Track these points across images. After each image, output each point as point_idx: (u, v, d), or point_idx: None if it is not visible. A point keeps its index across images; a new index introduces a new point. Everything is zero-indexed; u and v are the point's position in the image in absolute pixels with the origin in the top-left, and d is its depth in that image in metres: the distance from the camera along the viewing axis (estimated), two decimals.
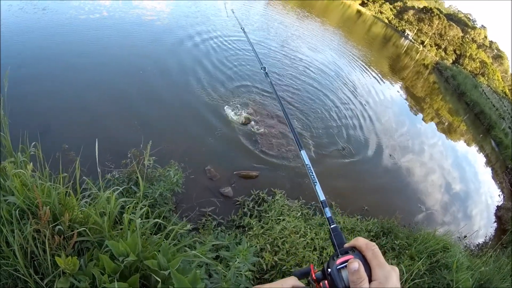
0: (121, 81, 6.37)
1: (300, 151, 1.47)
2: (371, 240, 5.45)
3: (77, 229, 2.06)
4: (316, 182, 1.24)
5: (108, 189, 2.43)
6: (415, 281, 4.55)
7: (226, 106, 6.83)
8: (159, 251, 2.07)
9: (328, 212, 1.10)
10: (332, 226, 0.98)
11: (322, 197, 1.19)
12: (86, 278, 1.86)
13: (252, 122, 6.62)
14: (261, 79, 8.37)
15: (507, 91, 52.58)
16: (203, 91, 7.06)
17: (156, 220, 2.42)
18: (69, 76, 5.92)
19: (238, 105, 7.00)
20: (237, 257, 2.49)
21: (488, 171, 14.95)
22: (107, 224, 2.22)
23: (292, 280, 0.83)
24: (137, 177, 3.30)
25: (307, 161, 1.39)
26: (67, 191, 2.29)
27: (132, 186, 3.39)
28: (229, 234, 3.66)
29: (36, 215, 1.98)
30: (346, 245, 0.84)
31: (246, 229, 4.23)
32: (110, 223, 2.28)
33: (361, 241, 0.79)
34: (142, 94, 6.17)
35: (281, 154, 6.29)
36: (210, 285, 2.36)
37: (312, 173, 1.28)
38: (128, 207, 2.30)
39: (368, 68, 15.76)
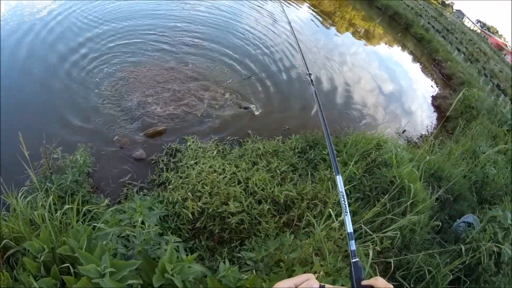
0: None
1: (336, 176, 1.56)
2: (298, 156, 5.18)
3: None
4: (347, 213, 1.35)
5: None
6: (353, 183, 4.48)
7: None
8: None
9: (353, 245, 1.21)
10: (353, 260, 1.11)
11: (350, 229, 1.30)
12: (21, 286, 2.11)
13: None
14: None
15: None
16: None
17: (71, 206, 2.66)
18: None
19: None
20: (136, 216, 2.56)
21: (416, 66, 15.53)
22: (23, 228, 2.47)
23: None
24: (51, 173, 3.78)
25: (341, 188, 1.49)
26: None
27: (47, 184, 3.59)
28: (151, 195, 4.08)
29: None
30: (364, 283, 0.98)
31: (166, 184, 4.39)
32: (26, 226, 2.54)
33: (380, 282, 0.94)
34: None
35: (181, 102, 6.28)
36: (130, 252, 2.50)
37: (345, 202, 1.41)
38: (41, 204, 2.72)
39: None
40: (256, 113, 6.47)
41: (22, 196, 2.94)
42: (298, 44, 3.20)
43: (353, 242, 1.20)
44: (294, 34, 3.42)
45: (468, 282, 3.93)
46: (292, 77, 8.56)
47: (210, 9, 10.78)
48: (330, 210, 3.24)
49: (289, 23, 3.96)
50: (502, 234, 4.57)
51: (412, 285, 3.76)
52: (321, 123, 1.87)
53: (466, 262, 3.84)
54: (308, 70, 2.63)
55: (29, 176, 3.47)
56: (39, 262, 2.12)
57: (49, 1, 8.46)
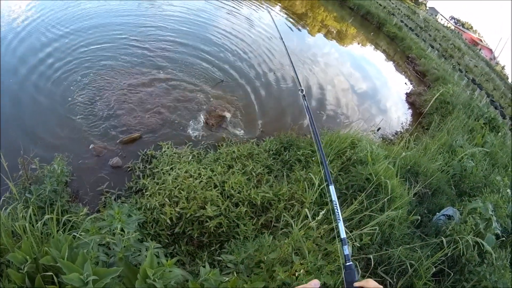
0: None
1: (329, 185, 1.71)
2: (273, 158, 5.35)
3: None
4: (339, 220, 1.50)
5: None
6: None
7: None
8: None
9: (346, 250, 1.34)
10: (347, 264, 1.26)
11: (343, 234, 1.43)
12: None
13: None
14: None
15: None
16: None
17: (51, 216, 2.74)
18: None
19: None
20: (115, 223, 2.60)
21: (389, 65, 15.92)
22: (6, 240, 2.51)
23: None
24: (30, 184, 3.88)
25: (334, 197, 1.62)
26: None
27: (26, 195, 3.67)
28: (129, 203, 4.13)
29: None
30: (356, 284, 1.10)
31: (144, 190, 4.45)
32: (8, 238, 2.59)
33: (371, 284, 1.04)
34: None
35: (155, 108, 6.33)
36: (112, 260, 2.54)
37: (337, 210, 1.53)
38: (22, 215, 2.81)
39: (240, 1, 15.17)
40: (228, 117, 6.54)
41: (3, 208, 3.05)
42: (291, 60, 3.33)
43: (346, 247, 1.33)
44: (287, 50, 3.52)
45: (452, 274, 4.06)
46: (268, 81, 8.71)
47: (183, 12, 10.81)
48: (307, 210, 3.33)
49: (281, 38, 4.28)
50: (484, 225, 4.75)
51: (394, 280, 3.86)
52: (313, 137, 2.06)
53: (449, 254, 3.98)
54: (300, 86, 2.75)
55: (9, 187, 3.53)
56: (23, 273, 2.17)
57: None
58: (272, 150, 5.54)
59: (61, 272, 2.10)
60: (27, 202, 3.54)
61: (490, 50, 49.52)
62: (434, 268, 3.82)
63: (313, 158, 5.17)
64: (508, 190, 6.36)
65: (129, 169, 4.98)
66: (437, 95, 4.53)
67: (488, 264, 4.20)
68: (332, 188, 1.64)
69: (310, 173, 4.49)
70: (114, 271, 2.18)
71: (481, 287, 3.88)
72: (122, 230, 2.68)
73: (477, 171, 6.81)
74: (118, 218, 2.62)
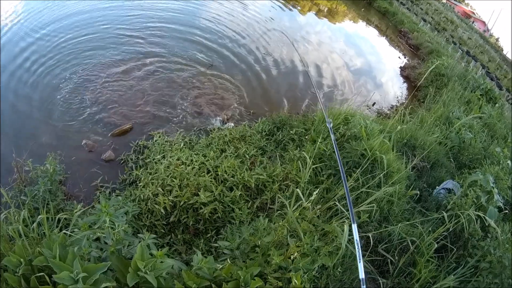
0: None
1: (352, 224, 1.86)
2: (266, 139, 5.24)
3: None
4: (360, 260, 1.56)
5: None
6: (323, 160, 4.51)
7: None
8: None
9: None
10: None
11: (362, 275, 1.53)
12: None
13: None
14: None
15: None
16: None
17: (43, 216, 2.71)
18: None
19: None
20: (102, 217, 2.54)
21: (382, 40, 15.70)
22: (2, 245, 2.54)
23: None
24: (24, 186, 3.91)
25: (356, 236, 1.75)
26: None
27: (21, 197, 3.69)
28: (123, 195, 4.09)
29: None
30: None
31: (137, 182, 4.38)
32: (4, 243, 2.61)
33: None
34: None
35: (145, 98, 6.22)
36: (105, 254, 2.51)
37: (359, 249, 1.62)
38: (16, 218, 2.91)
39: None
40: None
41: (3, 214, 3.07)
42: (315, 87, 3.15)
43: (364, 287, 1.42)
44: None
45: (455, 249, 3.95)
46: (255, 63, 8.51)
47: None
48: (298, 190, 3.19)
49: (307, 67, 4.05)
50: (485, 197, 4.63)
51: (396, 258, 3.75)
52: (340, 169, 2.24)
53: (451, 229, 3.85)
54: (327, 118, 2.98)
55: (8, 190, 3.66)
56: (18, 275, 2.19)
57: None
58: (265, 131, 5.47)
59: (54, 271, 2.09)
60: (23, 205, 3.50)
61: (483, 22, 49.04)
62: (436, 244, 3.69)
63: (306, 137, 5.07)
64: (509, 161, 6.28)
65: (122, 161, 4.93)
66: (431, 68, 4.38)
67: (492, 238, 4.07)
68: (355, 227, 1.74)
69: (303, 152, 4.37)
70: (103, 266, 2.14)
71: (486, 262, 3.75)
72: (113, 223, 2.63)
73: (475, 142, 6.71)
74: (105, 212, 2.55)
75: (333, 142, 2.35)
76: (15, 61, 6.32)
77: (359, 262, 1.43)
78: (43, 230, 2.81)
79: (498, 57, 26.26)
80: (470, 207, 4.26)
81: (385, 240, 3.86)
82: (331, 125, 2.23)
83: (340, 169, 2.04)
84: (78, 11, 8.55)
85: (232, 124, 5.88)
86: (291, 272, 2.61)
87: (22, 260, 2.23)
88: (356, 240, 1.52)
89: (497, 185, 5.04)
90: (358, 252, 1.43)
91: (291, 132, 5.27)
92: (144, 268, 2.14)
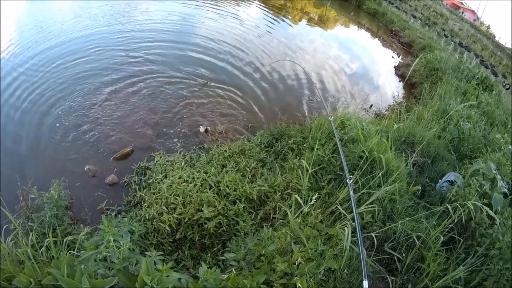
0: None
1: (364, 281, 1.92)
2: (265, 151, 5.29)
3: None
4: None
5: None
6: (322, 166, 4.54)
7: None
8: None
9: None
10: None
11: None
12: None
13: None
14: None
15: None
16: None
17: (50, 239, 2.78)
18: None
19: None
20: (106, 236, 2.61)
21: (375, 42, 15.77)
22: (12, 268, 2.62)
23: None
24: (31, 212, 3.97)
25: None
26: None
27: (28, 224, 3.79)
28: (129, 216, 4.07)
29: None
30: None
31: (142, 202, 4.41)
32: (14, 266, 2.70)
33: None
34: None
35: (142, 120, 6.25)
36: (112, 272, 2.55)
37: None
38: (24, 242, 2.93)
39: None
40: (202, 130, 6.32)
41: (9, 239, 3.13)
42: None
43: None
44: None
45: (463, 240, 3.93)
46: (249, 76, 8.58)
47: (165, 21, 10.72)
48: (297, 196, 3.23)
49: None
50: (489, 185, 4.62)
51: (403, 255, 3.74)
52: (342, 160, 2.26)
53: (456, 221, 3.84)
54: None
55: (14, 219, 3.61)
56: None
57: None
58: (264, 143, 5.49)
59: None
60: (31, 231, 3.54)
61: (473, 11, 49.05)
62: (442, 237, 3.68)
63: (304, 145, 5.11)
64: (510, 146, 6.26)
65: (126, 184, 4.96)
66: (417, 60, 4.42)
67: (500, 224, 4.03)
68: (365, 283, 1.81)
69: (302, 160, 4.39)
70: (109, 281, 2.22)
71: (496, 249, 3.74)
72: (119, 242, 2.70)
73: (475, 132, 6.70)
74: (108, 232, 2.61)
75: (334, 131, 2.31)
76: (7, 90, 6.41)
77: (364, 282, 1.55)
78: (51, 254, 2.88)
79: (491, 45, 26.25)
80: (474, 197, 4.25)
81: (391, 239, 3.87)
82: (332, 118, 2.25)
83: (342, 159, 2.07)
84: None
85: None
86: (296, 277, 2.64)
87: (32, 280, 2.28)
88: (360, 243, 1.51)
89: (499, 172, 5.02)
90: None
91: (289, 142, 5.31)
92: (150, 282, 2.18)
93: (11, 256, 2.81)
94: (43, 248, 2.90)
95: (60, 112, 5.99)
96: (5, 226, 3.29)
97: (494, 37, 36.08)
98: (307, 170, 4.00)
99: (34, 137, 5.53)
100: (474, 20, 42.88)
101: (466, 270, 3.48)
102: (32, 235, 3.01)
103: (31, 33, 8.58)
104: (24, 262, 2.82)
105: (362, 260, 1.29)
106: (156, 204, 4.10)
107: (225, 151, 5.20)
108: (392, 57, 13.80)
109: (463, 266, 3.49)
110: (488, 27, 46.40)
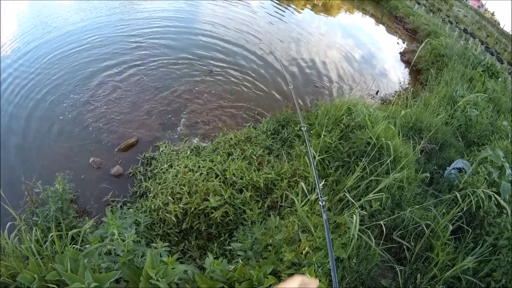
0: None
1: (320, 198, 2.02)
2: (272, 138, 5.22)
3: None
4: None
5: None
6: (330, 153, 4.44)
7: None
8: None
9: None
10: None
11: None
12: None
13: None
14: None
15: None
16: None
17: (53, 234, 2.76)
18: None
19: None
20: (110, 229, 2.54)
21: (380, 28, 15.54)
22: (16, 264, 2.64)
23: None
24: (36, 207, 3.90)
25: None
26: None
27: (33, 218, 3.74)
28: (135, 207, 4.07)
29: None
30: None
31: (147, 193, 4.37)
32: (18, 262, 2.70)
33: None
34: None
35: (147, 110, 6.17)
36: (117, 265, 2.51)
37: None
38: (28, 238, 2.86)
39: None
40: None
41: (13, 235, 3.07)
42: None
43: None
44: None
45: (472, 229, 3.83)
46: (254, 64, 8.42)
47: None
48: (302, 183, 3.12)
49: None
50: (497, 173, 4.50)
51: (412, 244, 3.65)
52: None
53: (465, 209, 3.73)
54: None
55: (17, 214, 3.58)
56: None
57: None
58: (270, 130, 5.40)
59: (67, 285, 2.10)
60: (35, 226, 3.52)
61: None
62: (451, 226, 3.58)
63: (311, 132, 5.00)
64: None
65: (131, 174, 4.92)
66: (421, 46, 4.27)
67: (509, 214, 3.93)
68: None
69: (309, 147, 4.28)
70: (112, 275, 2.16)
71: (504, 239, 3.63)
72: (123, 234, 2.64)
73: (482, 119, 6.56)
74: (112, 224, 2.54)
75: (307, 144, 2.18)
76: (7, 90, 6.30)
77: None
78: (55, 248, 2.82)
79: (496, 32, 25.77)
80: (482, 184, 4.14)
81: (400, 227, 3.77)
82: (306, 128, 2.16)
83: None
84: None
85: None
86: (304, 267, 2.55)
87: (35, 276, 2.24)
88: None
89: (507, 159, 4.89)
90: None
91: (296, 128, 5.22)
92: (155, 275, 2.12)
93: (15, 253, 2.81)
94: (47, 243, 2.86)
95: (63, 105, 5.92)
96: (9, 224, 3.20)
97: (499, 24, 35.45)
98: (314, 157, 3.88)
99: (36, 130, 5.47)
100: (479, 7, 42.14)
101: (475, 260, 3.39)
102: (36, 230, 2.97)
103: (38, 30, 8.45)
104: (28, 257, 2.76)
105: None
106: (162, 194, 4.03)
107: (231, 139, 5.12)
108: (397, 43, 13.61)
109: (471, 256, 3.39)
110: (492, 14, 45.62)
